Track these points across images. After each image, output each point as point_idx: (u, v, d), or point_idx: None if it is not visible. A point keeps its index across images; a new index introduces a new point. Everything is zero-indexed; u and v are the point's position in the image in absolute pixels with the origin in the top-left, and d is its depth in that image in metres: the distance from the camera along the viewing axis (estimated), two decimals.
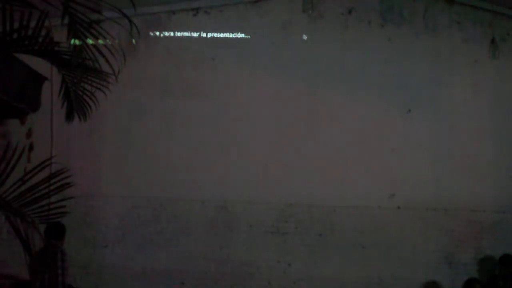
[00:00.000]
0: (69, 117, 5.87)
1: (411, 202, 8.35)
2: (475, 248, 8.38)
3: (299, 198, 8.33)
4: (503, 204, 8.43)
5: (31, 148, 7.71)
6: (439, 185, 8.41)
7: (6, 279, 7.37)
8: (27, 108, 4.90)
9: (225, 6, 8.54)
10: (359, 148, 8.42)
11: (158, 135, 8.45)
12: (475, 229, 8.39)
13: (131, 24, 5.09)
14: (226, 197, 8.36)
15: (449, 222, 8.37)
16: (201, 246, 8.34)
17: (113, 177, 8.36)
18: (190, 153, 8.40)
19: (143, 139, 8.42)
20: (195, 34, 8.53)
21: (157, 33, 8.52)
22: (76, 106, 5.73)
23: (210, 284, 8.30)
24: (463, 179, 8.43)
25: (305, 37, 8.56)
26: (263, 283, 8.31)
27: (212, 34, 8.53)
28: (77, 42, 4.85)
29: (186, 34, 8.54)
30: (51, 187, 5.60)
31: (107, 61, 5.17)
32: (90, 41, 4.97)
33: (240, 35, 8.54)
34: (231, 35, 8.53)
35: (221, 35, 8.53)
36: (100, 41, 5.10)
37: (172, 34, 8.53)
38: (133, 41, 7.60)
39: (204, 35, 8.54)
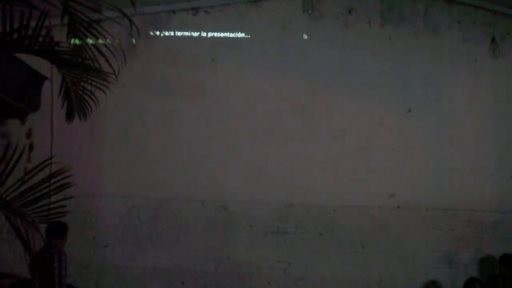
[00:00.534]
0: (69, 116, 5.87)
1: (411, 202, 8.35)
2: (475, 247, 8.38)
3: (299, 198, 8.33)
4: (503, 204, 8.43)
5: (31, 148, 7.72)
6: (439, 185, 8.42)
7: (7, 278, 7.38)
8: (28, 108, 4.90)
9: (225, 6, 8.54)
10: (359, 148, 8.42)
11: (158, 134, 8.45)
12: (475, 228, 8.39)
13: (131, 23, 5.09)
14: (226, 197, 8.36)
15: (449, 222, 8.37)
16: (201, 246, 8.34)
17: (113, 177, 8.36)
18: (190, 153, 8.40)
19: (143, 139, 8.42)
20: (195, 34, 8.53)
21: (157, 33, 8.52)
22: (76, 105, 5.74)
23: (210, 284, 8.30)
24: (463, 179, 8.43)
25: (305, 37, 8.56)
26: (263, 283, 8.30)
27: (212, 33, 8.53)
28: (77, 41, 4.85)
29: (186, 33, 8.54)
30: (51, 187, 5.60)
31: (107, 60, 5.17)
32: (90, 41, 4.97)
33: (240, 35, 8.54)
34: (231, 35, 8.53)
35: (221, 34, 8.53)
36: (100, 41, 5.11)
37: (172, 33, 8.53)
38: (133, 40, 7.60)
39: (204, 34, 8.54)
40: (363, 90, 8.48)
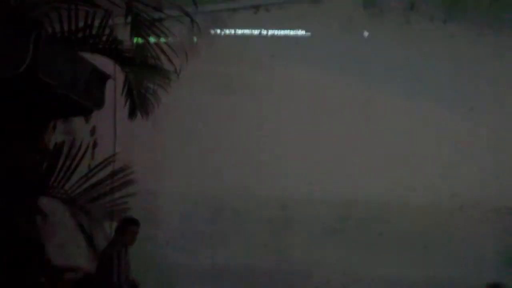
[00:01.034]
0: (131, 114, 5.97)
1: (475, 201, 8.16)
2: None
3: (358, 196, 8.25)
4: None
5: (95, 145, 7.89)
6: (503, 184, 8.20)
7: (72, 271, 7.53)
8: (92, 106, 4.99)
9: (285, 3, 8.52)
10: (420, 147, 8.29)
11: (218, 132, 8.50)
12: None
13: (193, 22, 5.13)
14: (285, 195, 8.35)
15: None
16: (260, 244, 8.36)
17: (174, 174, 8.46)
18: (250, 151, 8.43)
19: (204, 136, 8.48)
20: (256, 32, 8.56)
21: (218, 31, 8.58)
22: (138, 103, 5.82)
23: (269, 282, 8.31)
24: None
25: (366, 34, 8.49)
26: (322, 283, 8.27)
27: (272, 31, 8.54)
28: (139, 40, 4.93)
29: (247, 31, 8.57)
30: (114, 184, 5.71)
31: (169, 59, 5.23)
32: (152, 39, 5.04)
33: (300, 32, 8.52)
34: (291, 32, 8.52)
35: (281, 32, 8.53)
36: (162, 39, 5.17)
37: (233, 31, 8.57)
38: (195, 39, 7.66)
39: (264, 32, 8.55)
40: (424, 88, 8.34)
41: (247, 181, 8.37)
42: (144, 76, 5.46)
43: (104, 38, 5.40)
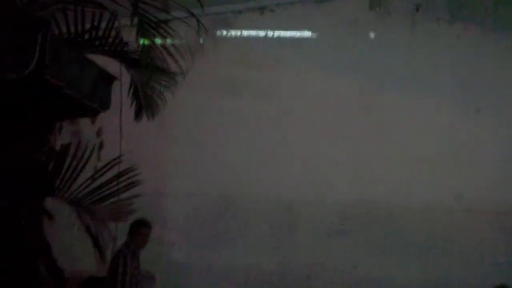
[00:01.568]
0: (137, 116, 5.98)
1: (480, 204, 8.14)
2: None
3: (364, 198, 8.25)
4: None
5: (101, 146, 7.92)
6: (509, 187, 8.19)
7: (79, 274, 7.55)
8: (98, 107, 4.99)
9: (291, 5, 8.53)
10: (426, 149, 8.28)
11: (224, 134, 8.51)
12: None
13: (199, 23, 5.14)
14: (290, 196, 8.36)
15: None
16: (265, 245, 8.37)
17: (180, 176, 8.48)
18: (255, 152, 8.44)
19: (209, 138, 8.50)
20: (262, 33, 8.56)
21: (224, 32, 8.59)
22: (144, 105, 5.83)
23: (274, 283, 8.32)
24: None
25: (372, 35, 8.48)
26: (327, 284, 8.27)
27: (278, 32, 8.54)
28: (145, 42, 4.93)
29: (253, 33, 8.58)
30: (120, 185, 5.71)
31: (175, 60, 5.24)
32: (158, 41, 5.05)
33: (306, 34, 8.52)
34: (297, 34, 8.52)
35: (287, 33, 8.54)
36: (168, 41, 5.18)
37: (239, 33, 8.58)
38: (201, 40, 7.66)
39: (270, 34, 8.56)
40: (430, 90, 8.33)
41: (252, 183, 8.38)
42: (150, 77, 5.46)
43: (110, 40, 5.42)
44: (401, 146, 8.28)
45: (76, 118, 7.42)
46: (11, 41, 3.67)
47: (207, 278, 8.40)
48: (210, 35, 7.26)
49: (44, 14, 4.54)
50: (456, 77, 8.30)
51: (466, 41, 8.36)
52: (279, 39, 8.55)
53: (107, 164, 5.72)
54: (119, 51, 5.49)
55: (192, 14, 5.07)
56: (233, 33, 8.60)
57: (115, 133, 8.17)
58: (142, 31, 4.83)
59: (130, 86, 5.83)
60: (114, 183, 5.66)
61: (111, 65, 5.57)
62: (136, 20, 4.77)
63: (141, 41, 4.91)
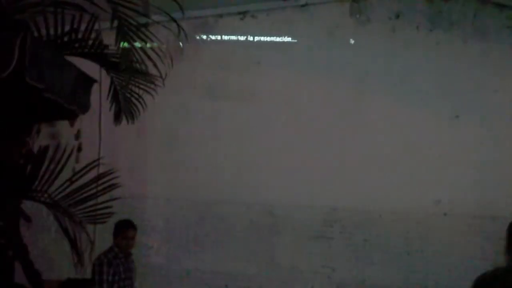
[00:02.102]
0: (117, 119, 5.97)
1: (458, 209, 8.20)
2: None
3: (344, 202, 8.27)
4: None
5: (79, 149, 7.89)
6: (487, 192, 8.24)
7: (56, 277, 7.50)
8: (77, 110, 4.99)
9: (272, 10, 8.54)
10: (405, 154, 8.32)
11: (204, 138, 8.50)
12: None
13: (179, 27, 5.15)
14: (271, 200, 8.36)
15: (497, 230, 8.17)
16: (245, 249, 8.36)
17: (159, 179, 8.46)
18: (235, 156, 8.44)
19: (189, 142, 8.49)
20: (242, 38, 8.58)
21: (204, 37, 8.59)
22: (124, 108, 5.83)
23: (254, 287, 8.32)
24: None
25: (352, 41, 8.52)
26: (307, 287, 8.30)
27: (259, 38, 8.56)
28: (125, 45, 4.93)
29: (233, 37, 8.58)
30: (99, 188, 5.70)
31: (154, 64, 5.24)
32: (138, 44, 5.05)
33: (286, 39, 8.54)
34: (278, 39, 8.55)
35: (268, 39, 8.55)
36: (148, 45, 5.18)
37: (219, 37, 8.59)
38: (180, 44, 7.66)
39: (251, 38, 8.57)
40: (410, 95, 8.38)
41: (233, 186, 8.37)
42: (130, 80, 5.46)
43: (90, 42, 5.41)
44: (382, 151, 8.32)
45: (55, 120, 7.39)
46: None
47: (187, 282, 8.37)
48: (190, 39, 7.25)
49: (24, 16, 4.52)
50: (436, 83, 8.36)
51: (445, 48, 8.43)
52: (260, 43, 8.56)
53: (85, 167, 5.72)
54: (99, 54, 5.49)
55: (172, 18, 5.07)
56: (213, 37, 8.60)
57: (94, 136, 8.15)
58: (122, 34, 4.82)
59: (110, 89, 5.83)
60: (93, 185, 5.66)
61: (91, 68, 5.57)
62: (116, 23, 4.77)
63: (121, 44, 4.91)
